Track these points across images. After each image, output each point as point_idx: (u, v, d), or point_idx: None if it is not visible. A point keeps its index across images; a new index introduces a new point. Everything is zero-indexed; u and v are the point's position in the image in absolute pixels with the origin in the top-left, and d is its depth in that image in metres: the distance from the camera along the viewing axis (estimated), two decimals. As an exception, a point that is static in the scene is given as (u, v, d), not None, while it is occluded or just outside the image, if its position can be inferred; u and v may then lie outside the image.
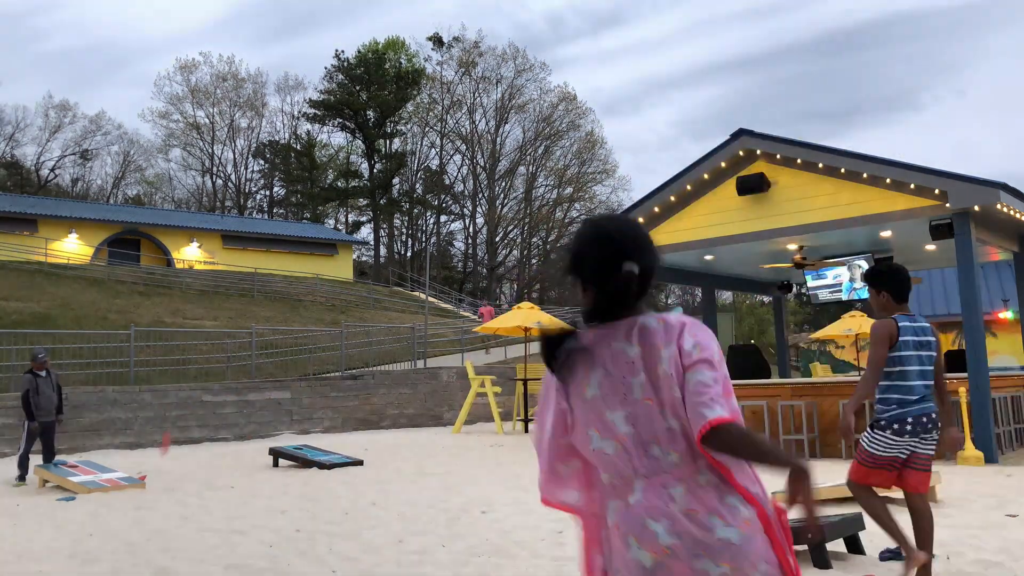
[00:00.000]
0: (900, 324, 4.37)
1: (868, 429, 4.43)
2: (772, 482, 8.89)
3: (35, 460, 12.08)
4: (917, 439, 4.29)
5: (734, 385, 12.20)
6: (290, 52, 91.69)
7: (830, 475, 9.36)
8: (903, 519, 4.63)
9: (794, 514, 6.32)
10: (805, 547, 5.08)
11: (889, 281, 4.47)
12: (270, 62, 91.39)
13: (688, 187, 12.50)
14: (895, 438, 4.28)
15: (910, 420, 4.28)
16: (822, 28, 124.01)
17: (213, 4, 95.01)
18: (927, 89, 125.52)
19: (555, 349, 2.10)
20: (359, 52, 56.36)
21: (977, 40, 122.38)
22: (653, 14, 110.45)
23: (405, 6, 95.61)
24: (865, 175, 10.97)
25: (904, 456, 4.32)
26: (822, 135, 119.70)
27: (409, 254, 60.63)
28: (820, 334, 22.72)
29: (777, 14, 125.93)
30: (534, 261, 60.49)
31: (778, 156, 11.73)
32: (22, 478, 10.44)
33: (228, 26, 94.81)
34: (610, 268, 2.01)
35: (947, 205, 10.42)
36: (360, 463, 11.55)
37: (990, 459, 10.06)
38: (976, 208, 10.32)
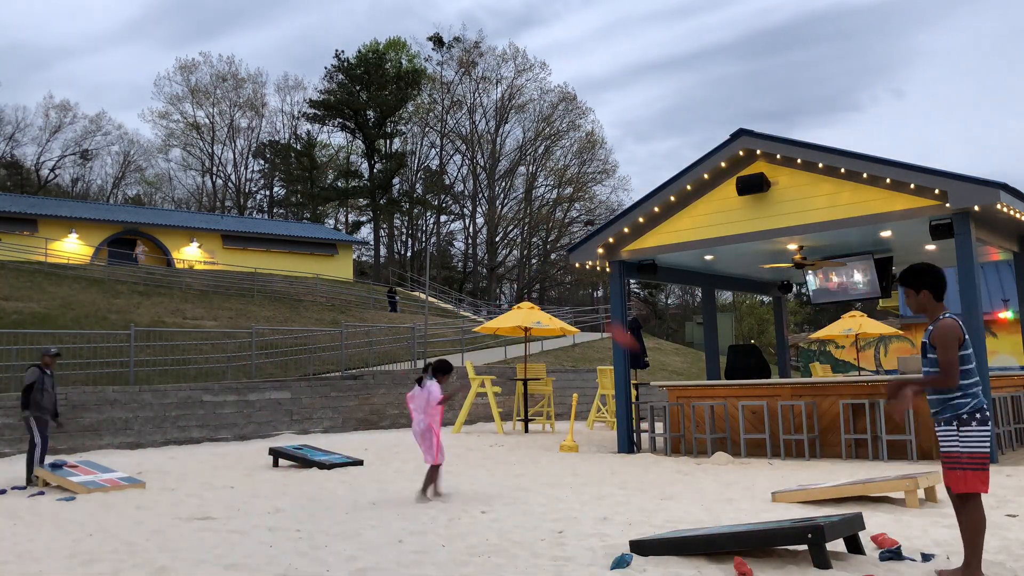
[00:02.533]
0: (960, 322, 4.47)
1: (952, 428, 4.38)
2: (780, 481, 8.87)
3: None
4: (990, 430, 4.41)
5: (734, 385, 12.20)
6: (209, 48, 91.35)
7: (830, 475, 9.36)
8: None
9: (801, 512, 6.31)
10: (805, 547, 5.08)
11: (929, 280, 4.53)
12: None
13: (688, 187, 12.50)
14: (983, 428, 4.37)
15: (986, 409, 4.41)
16: (742, 29, 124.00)
17: (122, 4, 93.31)
18: (864, 89, 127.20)
19: None
20: (359, 52, 56.38)
21: (905, 40, 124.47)
22: (568, 14, 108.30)
23: (313, 6, 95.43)
24: (865, 175, 10.97)
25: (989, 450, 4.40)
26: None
27: (409, 254, 60.66)
28: (820, 334, 22.74)
29: (693, 15, 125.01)
30: (534, 261, 60.51)
31: (778, 156, 11.73)
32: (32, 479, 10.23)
33: (142, 28, 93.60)
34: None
35: (947, 205, 10.43)
36: (360, 463, 11.55)
37: (990, 459, 10.04)
38: (976, 208, 10.32)
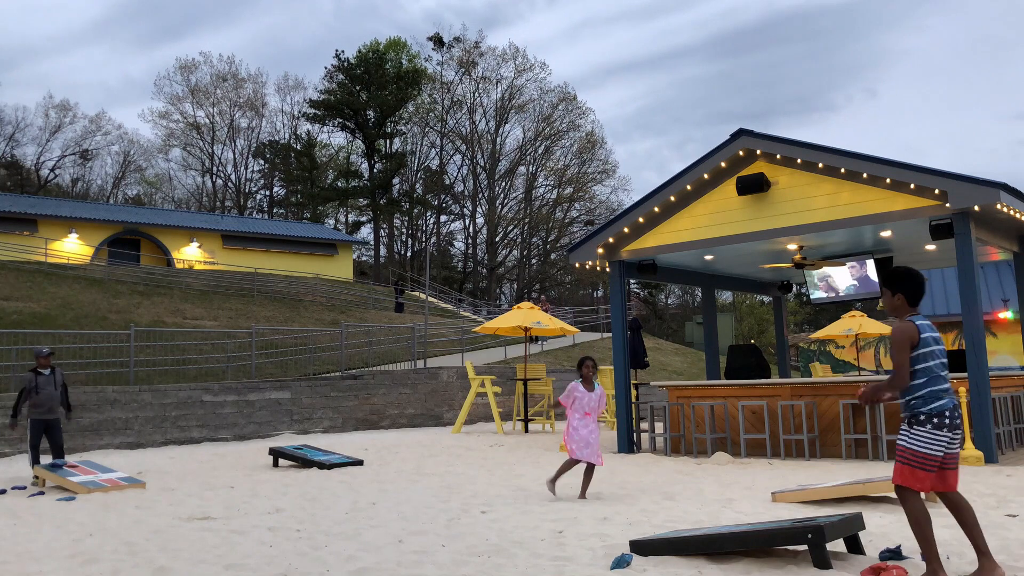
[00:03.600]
0: (919, 324, 4.46)
1: (906, 428, 4.46)
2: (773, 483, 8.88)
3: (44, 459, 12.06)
4: (952, 434, 4.38)
5: (734, 385, 12.20)
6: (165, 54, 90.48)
7: (830, 475, 9.36)
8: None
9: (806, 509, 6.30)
10: (805, 547, 5.08)
11: (906, 284, 4.55)
12: (152, 63, 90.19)
13: (688, 187, 12.50)
14: (937, 432, 4.36)
15: (947, 414, 4.36)
16: (710, 30, 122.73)
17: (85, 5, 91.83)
18: (839, 88, 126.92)
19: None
20: (360, 52, 56.37)
21: (876, 40, 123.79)
22: (532, 14, 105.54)
23: (277, 6, 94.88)
24: (865, 175, 10.98)
25: (943, 453, 4.37)
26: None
27: (409, 254, 60.65)
28: (820, 334, 22.74)
29: (659, 15, 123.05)
30: (534, 261, 60.50)
31: (778, 156, 11.73)
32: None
33: (106, 28, 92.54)
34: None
35: (947, 205, 10.43)
36: (360, 463, 11.56)
37: (990, 459, 10.06)
38: (976, 208, 10.33)
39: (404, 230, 61.90)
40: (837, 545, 5.39)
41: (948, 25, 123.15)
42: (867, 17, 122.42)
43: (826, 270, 13.59)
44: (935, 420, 4.34)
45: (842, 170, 11.14)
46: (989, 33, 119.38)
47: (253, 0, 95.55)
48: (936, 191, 10.50)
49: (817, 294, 13.82)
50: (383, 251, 59.96)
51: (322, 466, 11.17)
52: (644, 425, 17.54)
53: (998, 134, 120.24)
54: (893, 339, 4.43)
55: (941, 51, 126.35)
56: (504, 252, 59.44)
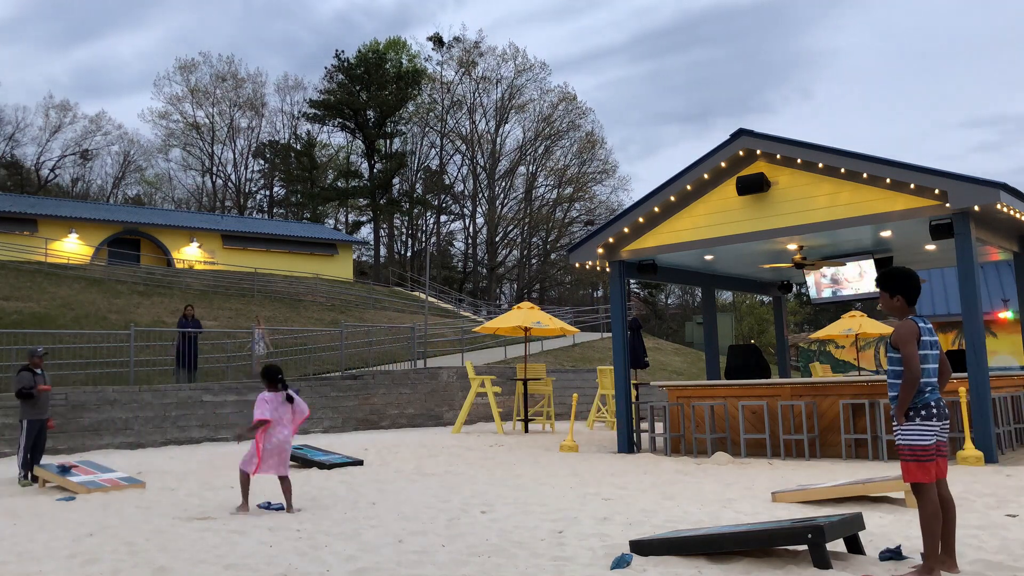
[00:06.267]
0: (920, 326, 4.72)
1: (899, 425, 4.68)
2: (779, 482, 8.88)
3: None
4: (941, 423, 4.64)
5: (734, 385, 12.19)
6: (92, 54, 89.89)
7: (830, 475, 9.36)
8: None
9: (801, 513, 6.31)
10: (805, 547, 5.08)
11: (905, 286, 4.79)
12: (71, 63, 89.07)
13: (688, 187, 12.50)
14: (927, 423, 4.62)
15: (933, 404, 4.63)
16: (628, 31, 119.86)
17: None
18: (772, 89, 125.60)
19: None
20: (359, 52, 56.35)
21: (797, 42, 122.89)
22: (442, 14, 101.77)
23: (186, 6, 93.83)
24: (865, 175, 10.98)
25: (935, 442, 4.63)
26: (682, 136, 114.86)
27: (409, 254, 60.65)
28: (820, 334, 22.75)
29: (571, 16, 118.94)
30: (534, 261, 60.50)
31: (778, 156, 11.73)
32: (26, 476, 10.33)
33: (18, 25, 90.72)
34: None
35: (947, 205, 10.43)
36: (360, 463, 11.56)
37: (990, 459, 10.06)
38: (976, 208, 10.33)
39: (404, 230, 61.93)
40: (837, 545, 5.39)
41: (865, 27, 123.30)
42: (784, 18, 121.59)
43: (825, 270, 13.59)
44: (923, 412, 4.61)
45: (842, 170, 11.14)
46: (908, 37, 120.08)
47: (161, 1, 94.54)
48: (936, 191, 10.50)
49: (823, 293, 13.81)
50: (383, 251, 59.98)
51: (322, 466, 11.17)
52: (644, 425, 17.54)
53: (949, 140, 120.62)
54: (900, 335, 4.66)
55: (869, 53, 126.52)
56: (504, 252, 59.45)
